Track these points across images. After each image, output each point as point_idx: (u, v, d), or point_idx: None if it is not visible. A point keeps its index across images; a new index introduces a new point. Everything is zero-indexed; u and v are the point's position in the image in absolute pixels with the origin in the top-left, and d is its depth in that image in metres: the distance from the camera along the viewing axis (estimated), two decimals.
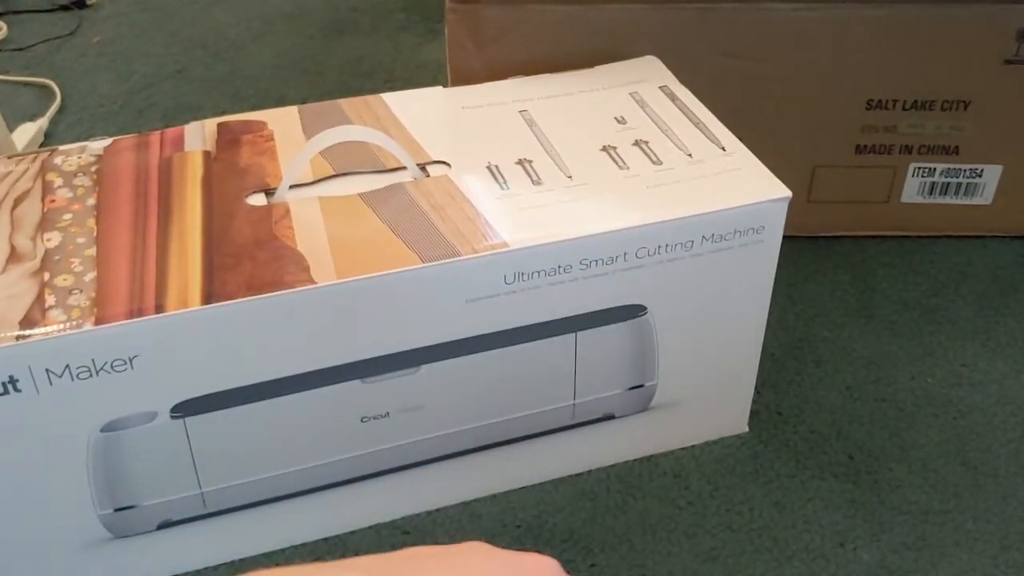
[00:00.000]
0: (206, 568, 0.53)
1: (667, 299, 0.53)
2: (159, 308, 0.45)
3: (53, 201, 0.52)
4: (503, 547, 0.33)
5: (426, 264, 0.47)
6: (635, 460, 0.58)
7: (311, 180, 0.54)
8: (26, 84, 0.98)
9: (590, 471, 0.58)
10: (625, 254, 0.50)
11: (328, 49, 1.04)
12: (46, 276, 0.47)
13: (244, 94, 0.95)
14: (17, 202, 0.52)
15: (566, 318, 0.52)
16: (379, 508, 0.55)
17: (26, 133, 0.87)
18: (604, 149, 0.56)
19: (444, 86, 0.63)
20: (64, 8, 1.12)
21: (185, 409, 0.47)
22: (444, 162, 0.55)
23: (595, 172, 0.54)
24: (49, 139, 0.89)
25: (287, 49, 1.04)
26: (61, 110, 0.94)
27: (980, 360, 0.65)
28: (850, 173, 0.72)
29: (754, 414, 0.60)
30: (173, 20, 1.11)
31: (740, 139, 0.56)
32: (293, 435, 0.50)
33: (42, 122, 0.89)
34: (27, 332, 0.44)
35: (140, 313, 0.45)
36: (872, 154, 0.71)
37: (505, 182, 0.53)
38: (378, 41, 1.05)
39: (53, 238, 0.49)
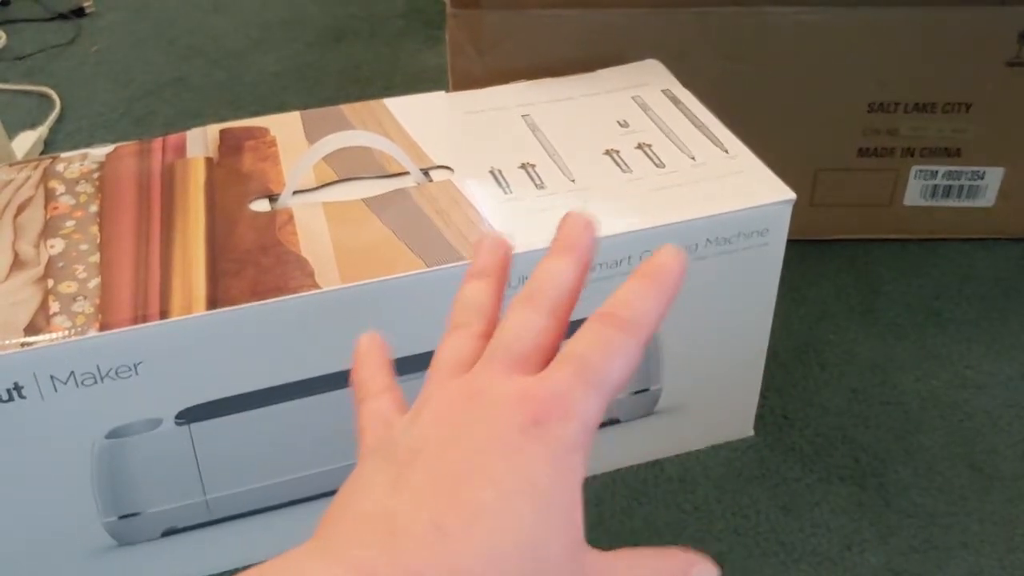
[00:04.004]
0: None
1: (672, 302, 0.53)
2: (163, 314, 0.45)
3: (56, 208, 0.52)
4: None
5: (430, 268, 0.47)
6: (640, 465, 0.58)
7: (314, 186, 0.54)
8: (25, 93, 0.98)
9: (595, 476, 0.58)
10: (629, 257, 0.50)
11: (328, 56, 1.04)
12: (50, 283, 0.47)
13: (244, 101, 0.95)
14: (20, 209, 0.52)
15: (571, 322, 0.51)
16: None
17: (26, 141, 0.87)
18: (607, 152, 0.55)
19: (445, 92, 0.63)
20: (63, 17, 1.12)
21: (190, 415, 0.47)
22: (447, 167, 0.55)
23: (598, 175, 0.54)
24: (49, 147, 0.89)
25: (287, 56, 1.04)
26: (60, 118, 0.94)
27: (985, 362, 0.65)
28: (852, 176, 0.72)
29: (759, 418, 0.60)
30: (172, 28, 1.11)
31: (741, 142, 0.56)
32: (298, 441, 0.50)
33: (42, 130, 0.89)
34: (31, 339, 0.43)
35: (144, 319, 0.44)
36: (874, 157, 0.71)
37: (508, 186, 0.53)
38: (378, 48, 1.05)
39: (56, 245, 0.49)
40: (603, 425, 0.56)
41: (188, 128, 0.59)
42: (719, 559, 0.53)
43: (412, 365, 0.50)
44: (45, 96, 0.97)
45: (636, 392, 0.55)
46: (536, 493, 0.28)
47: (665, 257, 0.32)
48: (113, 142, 0.57)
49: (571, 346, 0.31)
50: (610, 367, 0.30)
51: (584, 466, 0.29)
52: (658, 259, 0.32)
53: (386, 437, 0.31)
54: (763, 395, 0.60)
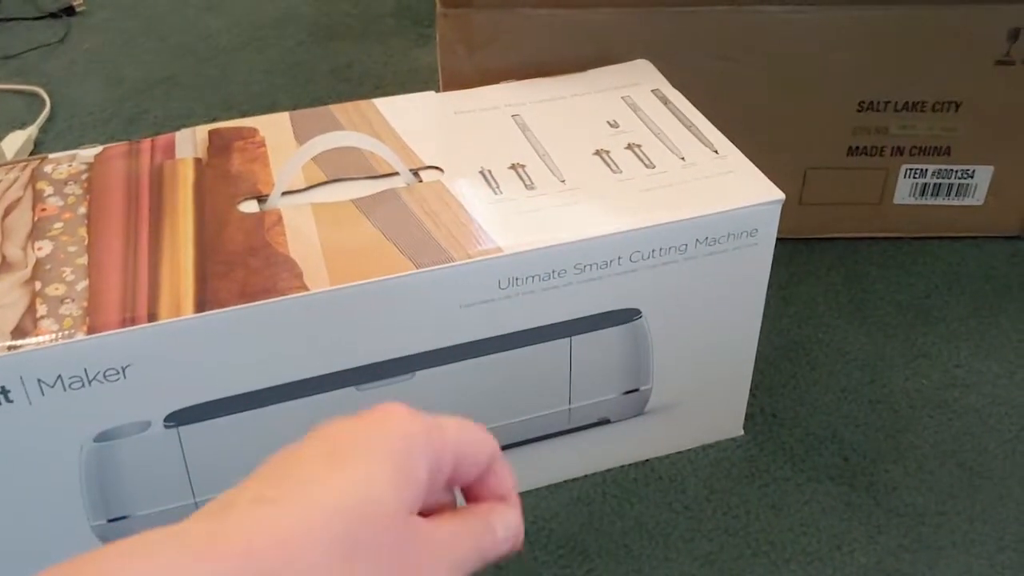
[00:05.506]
0: None
1: (662, 303, 0.53)
2: (152, 317, 0.45)
3: (44, 210, 0.52)
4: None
5: (420, 270, 0.47)
6: (631, 465, 0.58)
7: (303, 187, 0.54)
8: (15, 92, 0.98)
9: (586, 476, 0.58)
10: (619, 258, 0.50)
11: (318, 55, 1.03)
12: (37, 285, 0.47)
13: (235, 101, 0.95)
14: (7, 211, 0.52)
15: (561, 323, 0.51)
16: None
17: (15, 141, 0.86)
18: (597, 153, 0.55)
19: (435, 91, 0.63)
20: (53, 16, 1.12)
21: (179, 418, 0.47)
22: (437, 167, 0.55)
23: (588, 176, 0.54)
24: (39, 147, 0.89)
25: (277, 55, 1.04)
26: (51, 118, 0.93)
27: (974, 361, 0.65)
28: (842, 175, 0.72)
29: (749, 417, 0.60)
30: (162, 27, 1.10)
31: (731, 142, 0.56)
32: (288, 443, 0.50)
33: (31, 130, 0.89)
34: (18, 342, 0.43)
35: (133, 322, 0.44)
36: (864, 156, 0.71)
37: (498, 187, 0.53)
38: (368, 47, 1.05)
39: (44, 247, 0.49)
40: (593, 425, 0.56)
41: (179, 127, 0.58)
42: (709, 559, 0.53)
43: (399, 367, 0.50)
44: (35, 95, 0.97)
45: (626, 392, 0.55)
46: (369, 454, 0.29)
47: None
48: (104, 142, 0.57)
49: None
50: None
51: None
52: None
53: None
54: (753, 394, 0.60)
